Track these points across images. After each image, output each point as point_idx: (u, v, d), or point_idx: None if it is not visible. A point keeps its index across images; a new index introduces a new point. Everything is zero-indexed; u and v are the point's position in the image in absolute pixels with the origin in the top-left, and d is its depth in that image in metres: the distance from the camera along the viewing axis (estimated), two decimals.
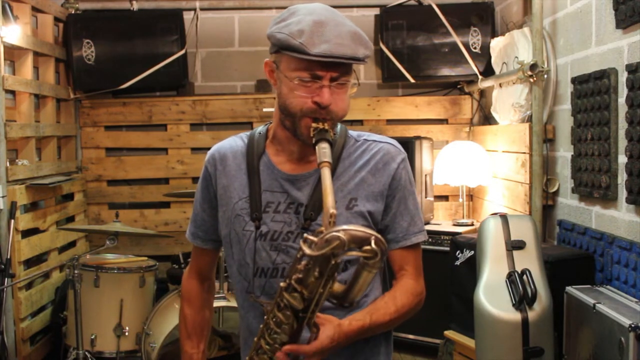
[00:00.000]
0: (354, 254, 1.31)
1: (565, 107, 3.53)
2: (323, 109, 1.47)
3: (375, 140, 1.64)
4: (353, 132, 1.67)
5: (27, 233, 3.81)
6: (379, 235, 1.31)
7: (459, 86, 5.00)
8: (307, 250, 1.30)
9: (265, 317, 1.44)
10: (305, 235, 1.33)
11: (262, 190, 1.59)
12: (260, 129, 1.68)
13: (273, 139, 1.64)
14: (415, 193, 1.66)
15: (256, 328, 1.55)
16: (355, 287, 1.35)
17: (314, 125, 1.48)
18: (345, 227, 1.30)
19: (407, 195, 1.62)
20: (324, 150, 1.43)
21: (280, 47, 1.48)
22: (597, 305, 2.59)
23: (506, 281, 2.84)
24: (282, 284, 1.38)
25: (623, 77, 2.86)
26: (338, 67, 1.46)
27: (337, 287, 1.36)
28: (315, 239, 1.30)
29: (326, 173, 1.39)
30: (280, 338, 1.40)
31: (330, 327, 1.42)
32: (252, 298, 1.59)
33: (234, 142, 1.69)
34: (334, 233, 1.28)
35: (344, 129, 1.64)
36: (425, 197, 4.40)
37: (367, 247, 1.29)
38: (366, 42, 1.49)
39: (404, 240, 1.61)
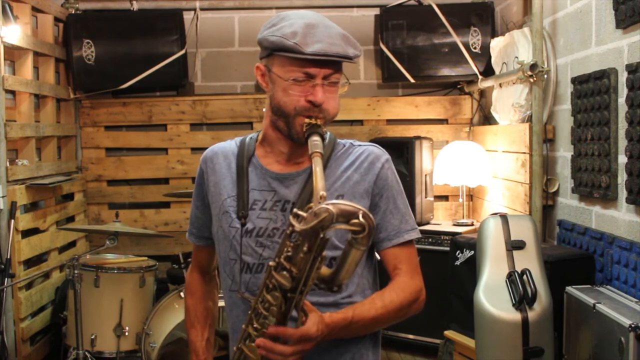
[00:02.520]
0: (342, 227, 1.33)
1: (565, 107, 3.53)
2: (316, 107, 1.53)
3: (360, 145, 1.70)
4: (341, 140, 1.72)
5: (27, 233, 3.81)
6: (367, 211, 1.33)
7: (459, 86, 5.00)
8: (297, 225, 1.32)
9: (253, 302, 1.46)
10: (294, 210, 1.35)
11: (250, 189, 1.64)
12: (252, 134, 1.75)
13: (263, 140, 1.69)
14: (404, 193, 1.69)
15: (239, 326, 1.59)
16: (344, 267, 1.35)
17: (306, 121, 1.53)
18: (333, 201, 1.34)
19: (395, 194, 1.65)
20: (315, 143, 1.48)
21: (274, 49, 1.54)
22: (597, 305, 2.59)
23: (506, 281, 2.84)
24: (270, 264, 1.40)
25: (623, 77, 2.86)
26: (330, 66, 1.53)
27: (325, 270, 1.38)
28: (304, 214, 1.33)
29: (317, 161, 1.43)
30: (268, 322, 1.41)
31: (315, 315, 1.43)
32: (240, 294, 1.62)
33: (228, 144, 1.75)
34: (323, 206, 1.31)
35: (332, 136, 1.70)
36: (425, 197, 4.40)
37: (355, 221, 1.31)
38: (355, 43, 1.57)
39: (397, 238, 1.63)
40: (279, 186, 1.63)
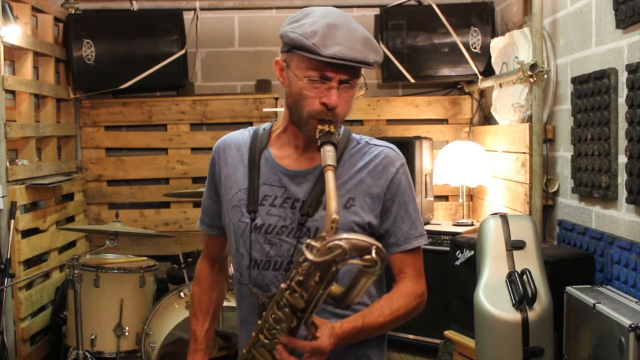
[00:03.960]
0: (355, 262, 1.32)
1: (565, 107, 3.53)
2: (330, 110, 1.51)
3: (376, 144, 1.67)
4: (355, 135, 1.70)
5: (27, 233, 3.80)
6: (380, 245, 1.32)
7: (459, 86, 5.00)
8: (310, 256, 1.32)
9: (264, 313, 1.47)
10: (308, 241, 1.35)
11: (261, 183, 1.63)
12: (264, 125, 1.73)
13: (281, 133, 1.67)
14: (415, 198, 1.68)
15: (248, 318, 1.63)
16: (354, 291, 1.37)
17: (320, 127, 1.51)
18: (346, 235, 1.33)
19: (407, 200, 1.64)
20: (329, 154, 1.46)
21: (293, 47, 1.51)
22: (597, 305, 2.59)
23: (506, 281, 2.84)
24: (282, 285, 1.41)
25: (623, 77, 2.86)
26: (348, 70, 1.50)
27: (336, 289, 1.39)
28: (317, 245, 1.32)
29: (330, 177, 1.42)
30: (278, 334, 1.43)
31: (326, 329, 1.45)
32: (249, 289, 1.62)
33: (241, 134, 1.73)
34: (337, 242, 1.31)
35: (347, 131, 1.67)
36: (425, 197, 4.40)
37: (368, 257, 1.31)
38: (377, 48, 1.53)
39: (405, 244, 1.63)
40: (289, 183, 1.61)
